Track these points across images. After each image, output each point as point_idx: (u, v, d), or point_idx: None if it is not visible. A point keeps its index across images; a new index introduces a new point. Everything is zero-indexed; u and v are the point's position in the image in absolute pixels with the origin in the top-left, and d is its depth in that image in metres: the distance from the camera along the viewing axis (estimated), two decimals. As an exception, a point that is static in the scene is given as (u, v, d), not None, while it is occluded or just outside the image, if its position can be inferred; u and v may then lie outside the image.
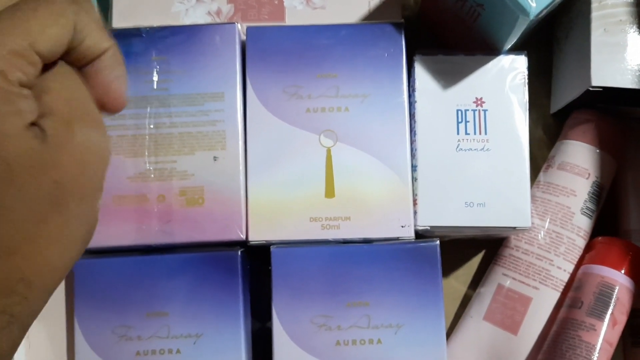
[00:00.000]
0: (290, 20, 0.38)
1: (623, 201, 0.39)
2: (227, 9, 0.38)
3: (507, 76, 0.35)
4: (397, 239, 0.33)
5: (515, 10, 0.30)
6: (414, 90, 0.35)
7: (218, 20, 0.38)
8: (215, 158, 0.34)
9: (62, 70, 0.21)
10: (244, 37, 0.35)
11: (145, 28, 0.35)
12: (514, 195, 0.34)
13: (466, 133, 0.34)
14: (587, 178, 0.37)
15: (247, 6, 0.38)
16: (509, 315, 0.37)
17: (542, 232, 0.37)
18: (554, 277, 0.37)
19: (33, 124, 0.19)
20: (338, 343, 0.32)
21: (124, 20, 0.37)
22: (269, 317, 0.33)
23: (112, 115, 0.22)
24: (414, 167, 0.34)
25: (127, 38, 0.34)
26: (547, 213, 0.37)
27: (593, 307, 0.35)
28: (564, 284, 0.37)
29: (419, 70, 0.35)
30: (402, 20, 0.35)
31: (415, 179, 0.34)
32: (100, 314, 0.33)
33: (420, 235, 0.34)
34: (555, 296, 0.37)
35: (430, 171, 0.34)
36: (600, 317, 0.35)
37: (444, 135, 0.34)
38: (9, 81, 0.18)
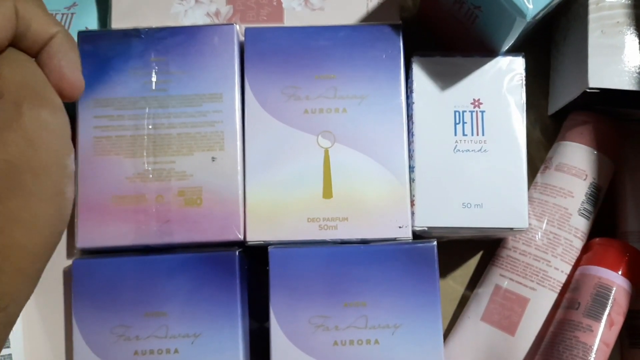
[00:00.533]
0: (288, 21, 0.38)
1: (620, 203, 0.40)
2: (225, 10, 0.38)
3: (504, 77, 0.35)
4: (395, 239, 0.33)
5: (512, 12, 0.30)
6: (411, 91, 0.35)
7: (217, 22, 0.38)
8: (213, 159, 0.34)
9: (12, 57, 0.21)
10: (242, 38, 0.35)
11: (144, 29, 0.35)
12: (511, 196, 0.34)
13: (464, 134, 0.34)
14: (584, 179, 0.38)
15: (245, 7, 0.38)
16: (506, 316, 0.37)
17: (539, 233, 0.37)
18: (551, 278, 0.37)
19: None
20: (336, 343, 0.32)
21: (123, 21, 0.37)
22: (266, 317, 0.33)
23: (73, 100, 0.23)
24: (411, 168, 0.34)
25: (126, 39, 0.35)
26: (545, 214, 0.37)
27: (590, 308, 0.35)
28: (561, 285, 0.37)
29: (417, 72, 0.35)
30: (400, 22, 0.35)
31: (413, 180, 0.34)
32: (99, 314, 0.33)
33: (417, 236, 0.35)
34: (552, 297, 0.37)
35: (427, 172, 0.34)
36: (597, 318, 0.35)
37: (442, 136, 0.34)
38: None
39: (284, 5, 0.38)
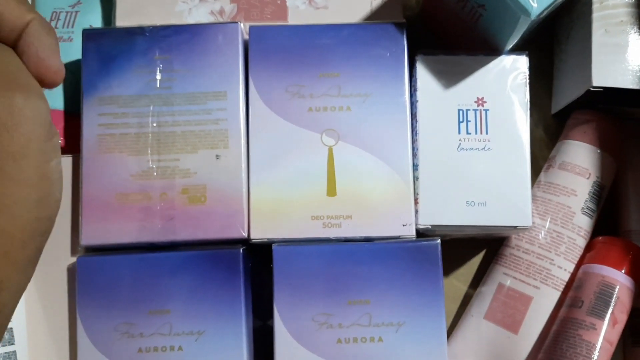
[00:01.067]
0: (292, 19, 0.38)
1: (623, 201, 0.40)
2: (230, 8, 0.38)
3: (508, 76, 0.35)
4: (399, 237, 0.33)
5: (516, 11, 0.30)
6: (415, 89, 0.35)
7: (221, 20, 0.38)
8: (217, 156, 0.34)
9: None
10: (246, 37, 0.35)
11: (149, 27, 0.35)
12: (514, 194, 0.34)
13: (467, 133, 0.34)
14: (587, 178, 0.38)
15: (249, 6, 0.38)
16: (509, 314, 0.37)
17: (542, 232, 0.37)
18: (554, 276, 0.37)
19: None
20: (339, 341, 0.33)
21: (128, 19, 0.37)
22: (270, 315, 0.33)
23: (56, 86, 0.23)
24: (415, 166, 0.34)
25: (130, 37, 0.35)
26: (548, 213, 0.37)
27: (593, 307, 0.35)
28: (565, 283, 0.37)
29: (421, 70, 0.35)
30: (404, 20, 0.35)
31: (417, 178, 0.34)
32: (103, 311, 0.33)
33: (421, 234, 0.35)
34: (555, 295, 0.37)
35: (431, 170, 0.34)
36: (601, 317, 0.35)
37: (445, 134, 0.34)
38: None
39: (287, 4, 0.38)
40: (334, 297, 0.33)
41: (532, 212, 0.35)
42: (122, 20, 0.37)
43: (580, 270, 0.37)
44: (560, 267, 0.37)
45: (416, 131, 0.35)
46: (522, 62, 0.35)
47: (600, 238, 0.38)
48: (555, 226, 0.37)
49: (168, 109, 0.34)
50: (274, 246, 0.33)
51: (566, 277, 0.37)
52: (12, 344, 0.34)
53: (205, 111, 0.34)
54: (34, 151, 0.21)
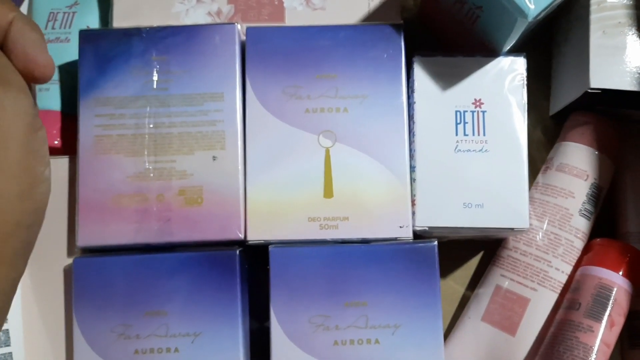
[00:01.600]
0: (290, 21, 0.38)
1: (621, 203, 0.40)
2: (227, 9, 0.38)
3: (506, 78, 0.35)
4: (396, 239, 0.33)
5: (513, 12, 0.30)
6: (412, 91, 0.35)
7: (218, 21, 0.38)
8: (214, 158, 0.34)
9: None
10: (243, 38, 0.35)
11: (146, 28, 0.35)
12: (512, 196, 0.34)
13: (465, 134, 0.34)
14: (585, 180, 0.37)
15: (247, 7, 0.38)
16: (507, 317, 0.37)
17: (540, 234, 0.37)
18: (552, 278, 0.37)
19: None
20: (336, 343, 0.32)
21: (125, 20, 0.37)
22: (267, 317, 0.33)
23: (47, 81, 0.23)
24: (412, 168, 0.34)
25: (127, 38, 0.35)
26: (546, 214, 0.37)
27: (591, 309, 0.35)
28: (562, 285, 0.37)
29: (418, 72, 0.35)
30: (402, 22, 0.35)
31: (414, 180, 0.34)
32: (99, 313, 0.33)
33: (418, 235, 0.35)
34: (553, 297, 0.37)
35: (428, 172, 0.34)
36: (598, 319, 0.35)
37: (443, 136, 0.34)
38: None
39: (285, 5, 0.38)
40: (330, 299, 0.33)
41: (530, 214, 0.35)
42: (119, 21, 0.37)
43: (578, 273, 0.37)
44: (558, 269, 0.37)
45: (413, 133, 0.35)
46: (519, 64, 0.35)
47: (597, 240, 0.38)
48: (553, 228, 0.37)
49: (165, 110, 0.34)
50: (270, 248, 0.33)
51: (564, 279, 0.37)
52: (9, 345, 0.34)
53: (202, 112, 0.34)
54: (15, 143, 0.21)
